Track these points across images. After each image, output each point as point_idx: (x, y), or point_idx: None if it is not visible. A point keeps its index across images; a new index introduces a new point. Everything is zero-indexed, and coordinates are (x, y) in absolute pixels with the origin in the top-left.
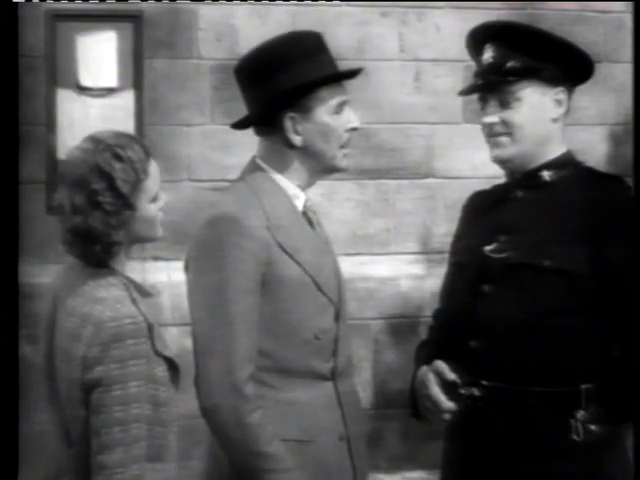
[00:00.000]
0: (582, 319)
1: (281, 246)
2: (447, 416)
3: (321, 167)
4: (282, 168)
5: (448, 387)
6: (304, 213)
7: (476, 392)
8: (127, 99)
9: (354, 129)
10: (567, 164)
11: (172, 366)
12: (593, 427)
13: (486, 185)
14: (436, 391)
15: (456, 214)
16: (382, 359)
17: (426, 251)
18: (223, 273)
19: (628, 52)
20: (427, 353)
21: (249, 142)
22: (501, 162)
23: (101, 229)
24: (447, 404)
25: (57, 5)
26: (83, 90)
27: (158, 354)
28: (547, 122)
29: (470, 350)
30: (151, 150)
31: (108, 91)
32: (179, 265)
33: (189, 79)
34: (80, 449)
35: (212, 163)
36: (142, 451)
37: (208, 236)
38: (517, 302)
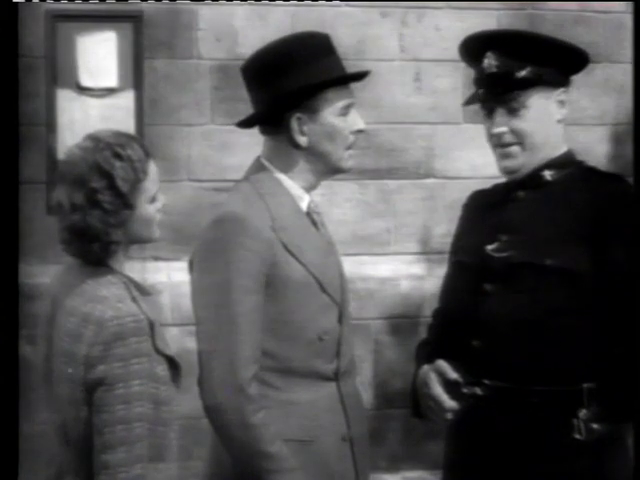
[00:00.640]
0: (584, 318)
1: (286, 247)
2: (449, 415)
3: (326, 168)
4: (287, 168)
5: (450, 386)
6: (308, 214)
7: (478, 391)
8: (127, 99)
9: (360, 131)
10: (568, 164)
11: (173, 365)
12: (595, 426)
13: (486, 185)
14: (438, 390)
15: (456, 214)
16: (382, 359)
17: (426, 251)
18: (228, 273)
19: (628, 52)
20: (428, 352)
21: (249, 142)
22: (511, 172)
23: (100, 227)
24: (449, 403)
25: (57, 5)
26: (83, 90)
27: (159, 353)
28: (553, 125)
29: (472, 349)
30: (151, 150)
31: (108, 91)
32: (179, 265)
33: (189, 79)
34: (81, 449)
35: (212, 163)
36: (145, 450)
37: (213, 236)
38: (519, 301)
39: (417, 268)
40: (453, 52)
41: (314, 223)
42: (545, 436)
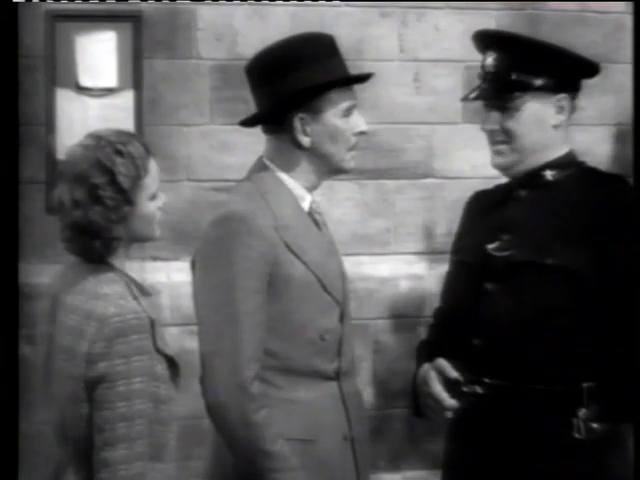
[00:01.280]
0: (584, 317)
1: (288, 246)
2: (449, 414)
3: (328, 168)
4: (289, 168)
5: (450, 385)
6: (310, 214)
7: (478, 390)
8: (126, 99)
9: (362, 133)
10: (570, 164)
11: (172, 364)
12: (595, 425)
13: (486, 185)
14: (438, 389)
15: (456, 214)
16: (382, 359)
17: (426, 251)
18: (231, 272)
19: (628, 53)
20: (428, 352)
21: (248, 142)
22: (501, 169)
23: (102, 224)
24: (449, 402)
25: (57, 5)
26: (82, 90)
27: (159, 352)
28: (547, 130)
29: (472, 348)
30: (151, 148)
31: (107, 91)
32: (178, 265)
33: (188, 79)
34: (81, 447)
35: (211, 163)
36: (145, 448)
37: (216, 235)
38: (519, 300)
39: (417, 268)
40: (453, 52)
41: (316, 223)
42: (545, 435)
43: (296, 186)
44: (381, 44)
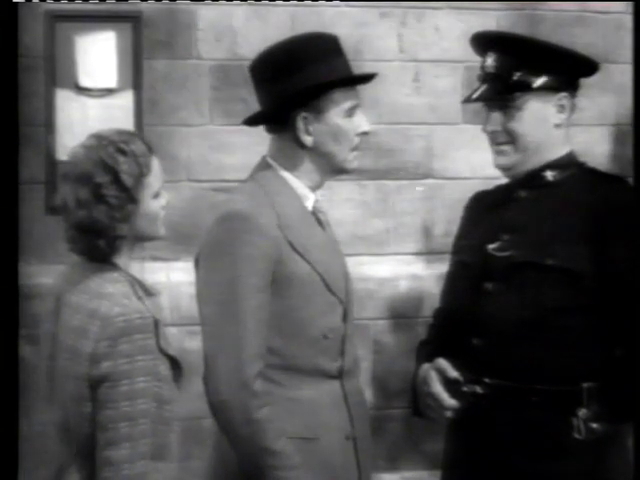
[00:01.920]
0: (585, 318)
1: (292, 245)
2: (449, 414)
3: (331, 168)
4: (292, 167)
5: (450, 385)
6: (313, 213)
7: (478, 390)
8: (126, 99)
9: (365, 133)
10: (570, 164)
11: (175, 365)
12: (595, 425)
13: (485, 185)
14: (438, 389)
15: (455, 214)
16: (381, 359)
17: (425, 251)
18: (235, 270)
19: (627, 53)
20: (428, 351)
21: (248, 142)
22: (504, 169)
23: (106, 222)
24: (449, 402)
25: (56, 5)
26: (82, 90)
27: (162, 352)
28: (550, 129)
29: (473, 348)
30: (153, 147)
31: (107, 91)
32: (178, 265)
33: (188, 79)
34: (83, 446)
35: (211, 163)
36: (148, 448)
37: (220, 233)
38: (520, 300)
39: (416, 268)
40: (452, 52)
41: (319, 222)
42: (545, 435)
43: (299, 185)
44: (381, 44)
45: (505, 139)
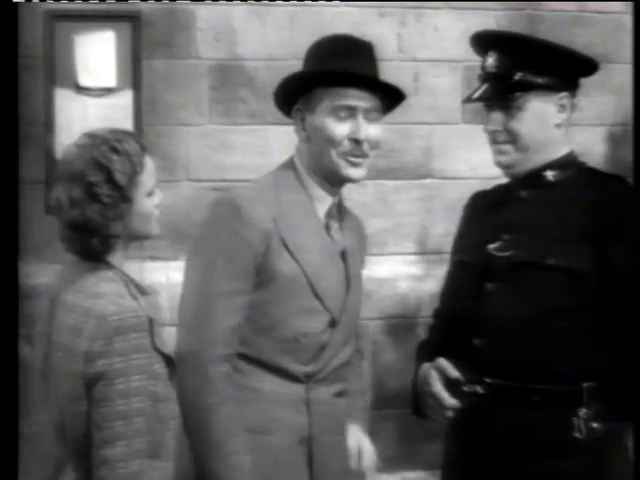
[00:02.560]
0: (585, 317)
1: (283, 241)
2: (450, 413)
3: (326, 172)
4: (307, 166)
5: (451, 384)
6: (326, 217)
7: (479, 390)
8: (125, 99)
9: (356, 141)
10: (570, 164)
11: (170, 363)
12: (595, 425)
13: (485, 185)
14: (439, 388)
15: (455, 215)
16: (380, 360)
17: (424, 252)
18: (214, 254)
19: (627, 53)
20: (428, 351)
21: (248, 142)
22: (504, 168)
23: (99, 221)
24: (450, 401)
25: (56, 5)
26: (82, 90)
27: (157, 350)
28: (550, 128)
29: (473, 348)
30: (147, 146)
31: (106, 91)
32: (177, 265)
33: (187, 79)
34: (80, 445)
35: (210, 163)
36: (143, 446)
37: (207, 217)
38: (521, 300)
39: (415, 268)
40: (452, 52)
41: (327, 227)
42: (545, 435)
43: (314, 186)
44: (380, 44)
45: (506, 139)
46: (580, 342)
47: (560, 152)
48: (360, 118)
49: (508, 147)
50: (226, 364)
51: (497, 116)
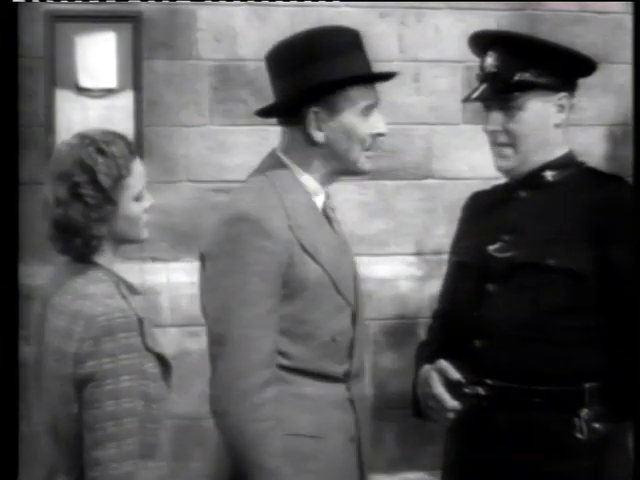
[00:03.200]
0: (586, 318)
1: (303, 246)
2: (451, 415)
3: (342, 167)
4: (303, 163)
5: (452, 386)
6: (323, 210)
7: (481, 391)
8: (126, 100)
9: (380, 134)
10: (569, 164)
11: (163, 363)
12: (597, 425)
13: (485, 186)
14: (440, 390)
15: (455, 215)
16: (381, 360)
17: (425, 252)
18: (242, 275)
19: (627, 53)
20: (429, 353)
21: (248, 143)
22: (505, 172)
23: (81, 222)
24: (451, 403)
25: (56, 6)
26: (82, 91)
27: (148, 349)
28: (550, 128)
29: (474, 349)
30: (136, 150)
31: (107, 92)
32: (178, 266)
33: (188, 80)
34: (72, 447)
35: (211, 164)
36: (136, 446)
37: (228, 235)
38: (521, 301)
39: (416, 269)
40: (452, 53)
41: (329, 220)
42: (547, 435)
43: (310, 181)
44: (380, 44)
45: (505, 139)
46: (581, 342)
47: (559, 152)
48: (376, 112)
49: (508, 151)
50: (270, 387)
51: (496, 116)
